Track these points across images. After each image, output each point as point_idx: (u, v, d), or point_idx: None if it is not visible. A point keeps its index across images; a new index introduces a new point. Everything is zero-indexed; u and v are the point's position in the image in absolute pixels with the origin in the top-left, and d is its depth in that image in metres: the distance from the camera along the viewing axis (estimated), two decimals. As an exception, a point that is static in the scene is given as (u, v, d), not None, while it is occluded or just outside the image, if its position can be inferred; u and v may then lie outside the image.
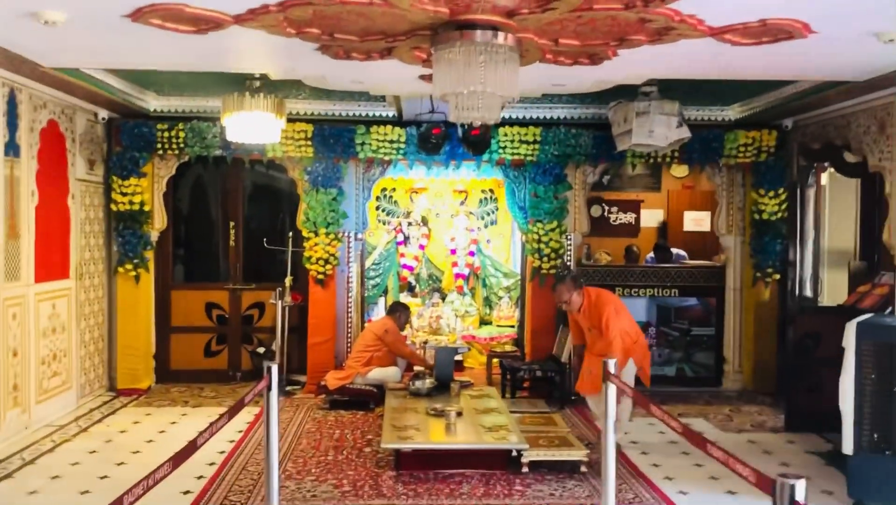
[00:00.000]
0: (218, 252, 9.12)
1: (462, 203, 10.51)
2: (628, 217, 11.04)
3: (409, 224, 10.38)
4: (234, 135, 7.07)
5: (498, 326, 10.28)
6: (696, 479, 5.71)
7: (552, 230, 8.34)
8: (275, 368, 4.17)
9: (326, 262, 8.30)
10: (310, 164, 8.30)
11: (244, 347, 9.01)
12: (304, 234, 8.34)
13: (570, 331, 6.55)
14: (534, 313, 8.49)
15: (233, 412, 4.10)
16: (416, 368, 8.24)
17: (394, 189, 10.47)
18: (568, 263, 8.55)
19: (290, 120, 8.17)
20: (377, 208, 10.46)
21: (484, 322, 10.43)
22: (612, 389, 4.22)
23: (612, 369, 4.24)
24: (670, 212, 11.00)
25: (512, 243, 10.58)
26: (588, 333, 6.43)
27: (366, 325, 8.95)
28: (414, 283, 10.45)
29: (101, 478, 5.60)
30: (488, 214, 10.59)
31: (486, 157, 8.27)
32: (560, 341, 8.12)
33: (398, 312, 8.00)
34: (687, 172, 11.06)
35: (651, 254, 9.99)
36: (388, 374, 7.67)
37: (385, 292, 10.39)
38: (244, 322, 9.01)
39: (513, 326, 10.20)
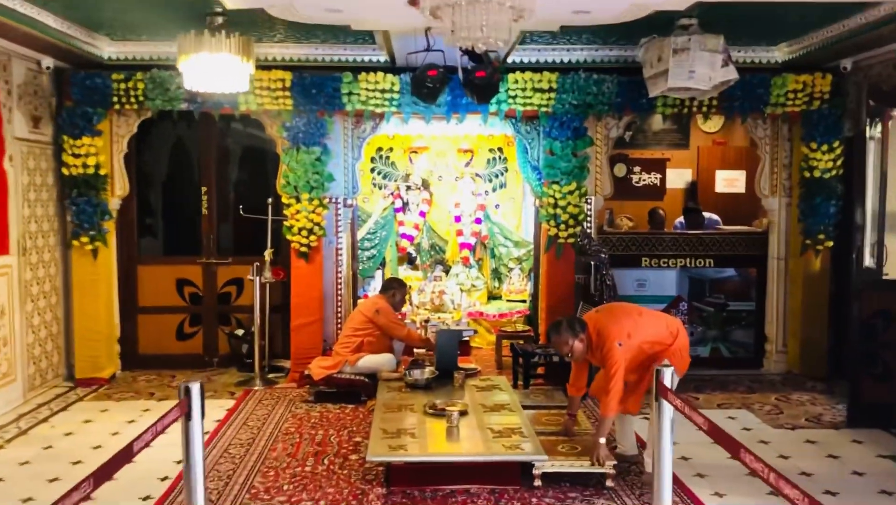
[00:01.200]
0: (189, 221, 8.03)
1: (467, 164, 9.37)
2: (652, 177, 9.86)
3: (409, 188, 9.25)
4: (192, 82, 5.95)
5: (508, 300, 9.19)
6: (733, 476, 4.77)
7: (570, 193, 7.20)
8: (195, 389, 3.09)
9: (310, 232, 7.21)
10: (289, 118, 7.17)
11: (221, 328, 7.98)
12: (285, 200, 7.25)
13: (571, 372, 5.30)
14: (549, 289, 7.39)
15: (157, 429, 3.10)
16: (417, 350, 7.20)
17: (390, 149, 9.33)
18: (588, 231, 7.42)
19: (266, 67, 7.06)
20: (372, 171, 9.34)
21: (493, 297, 9.35)
22: (667, 411, 3.13)
23: (667, 381, 3.16)
24: (700, 171, 9.81)
25: (523, 209, 9.45)
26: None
27: (358, 302, 7.89)
28: (414, 254, 9.35)
29: (24, 502, 4.58)
30: (497, 176, 9.45)
31: (493, 107, 7.12)
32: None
33: (393, 289, 6.92)
34: (719, 126, 9.89)
35: (680, 219, 8.86)
36: (381, 361, 6.62)
37: (382, 265, 9.31)
38: (220, 301, 7.97)
39: (524, 301, 9.12)
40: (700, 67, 5.77)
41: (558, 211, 7.20)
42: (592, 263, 7.36)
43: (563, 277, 7.32)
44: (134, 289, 7.86)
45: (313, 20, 5.52)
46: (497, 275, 9.41)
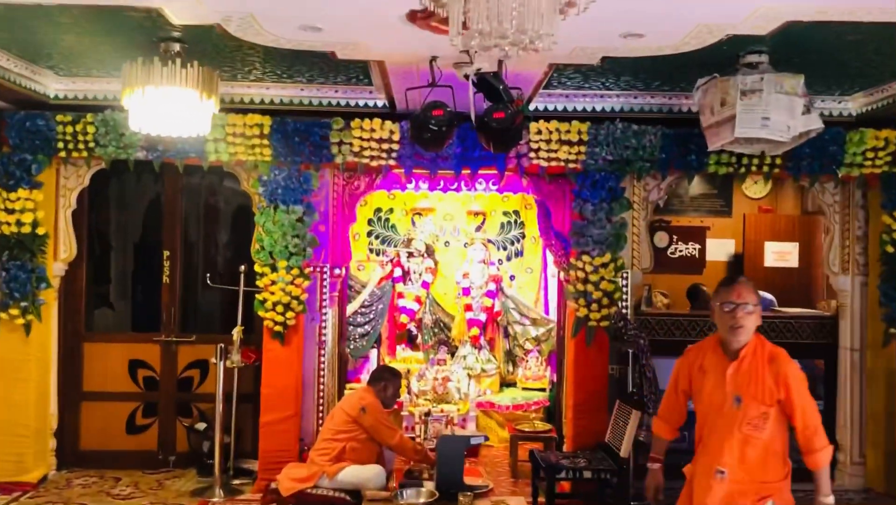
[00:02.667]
0: (148, 292, 6.78)
1: (478, 228, 8.14)
2: (690, 248, 8.57)
3: (410, 255, 8.02)
4: (139, 122, 4.77)
5: (524, 388, 7.87)
6: None
7: (604, 266, 5.94)
8: None
9: (287, 307, 5.94)
10: (266, 171, 5.98)
11: (180, 420, 6.65)
12: (258, 268, 6.00)
13: (663, 404, 3.98)
14: (577, 382, 6.05)
15: None
16: (415, 464, 5.85)
17: (390, 210, 8.13)
18: (625, 312, 6.13)
19: (241, 110, 5.93)
20: (369, 235, 8.12)
21: (506, 383, 8.02)
22: None
23: None
24: (746, 242, 8.55)
25: (542, 280, 8.20)
26: (718, 412, 3.50)
27: (345, 393, 6.58)
28: (415, 331, 8.06)
29: None
30: (512, 243, 8.21)
31: (512, 162, 5.92)
32: (617, 424, 5.68)
33: (384, 381, 5.61)
34: (766, 191, 8.67)
35: (728, 297, 7.57)
36: (367, 475, 5.25)
37: (378, 343, 8.01)
38: (181, 387, 6.66)
39: (543, 390, 7.78)
40: (776, 114, 4.57)
41: (589, 288, 5.92)
42: (630, 351, 6.06)
43: (595, 367, 6.01)
44: (78, 371, 6.57)
45: (286, 43, 4.36)
46: (511, 358, 8.10)
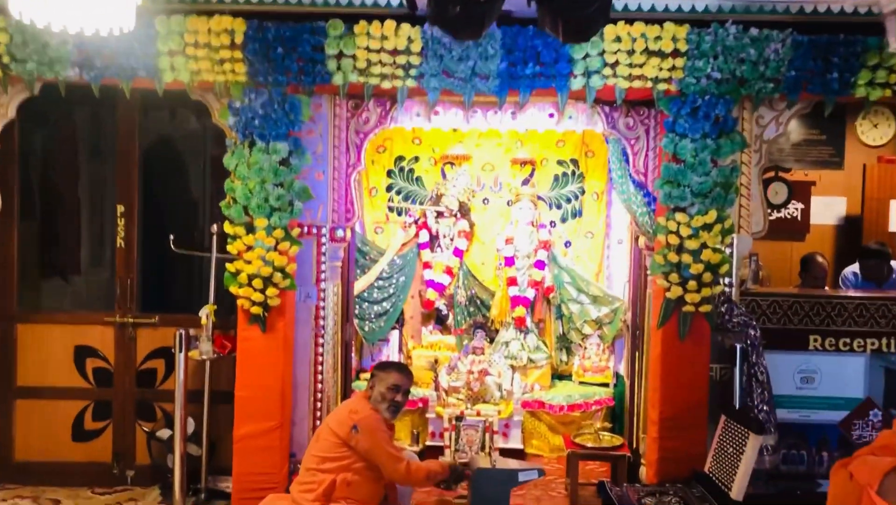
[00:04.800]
0: (98, 259, 5.27)
1: (526, 182, 6.46)
2: (791, 208, 6.83)
3: (440, 215, 6.37)
4: (20, 4, 3.18)
5: (581, 382, 6.24)
6: None
7: (707, 228, 4.24)
8: None
9: (268, 281, 4.36)
10: (239, 95, 4.37)
11: (140, 425, 5.17)
12: (229, 229, 4.42)
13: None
14: (666, 389, 4.38)
15: None
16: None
17: (415, 159, 6.48)
18: (728, 291, 4.43)
19: (205, 12, 4.31)
20: (388, 189, 6.49)
21: (558, 376, 6.39)
22: None
23: None
24: (866, 200, 6.75)
25: (607, 248, 6.51)
26: None
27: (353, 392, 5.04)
28: (445, 311, 6.43)
29: None
30: (568, 201, 6.50)
31: (577, 82, 4.23)
32: (723, 450, 4.05)
33: (372, 377, 3.96)
34: (889, 137, 6.89)
35: (853, 268, 5.86)
36: (368, 521, 3.70)
37: (399, 324, 6.42)
38: (141, 382, 5.16)
39: (606, 385, 6.16)
40: None
41: (685, 258, 4.23)
42: (738, 346, 4.41)
43: (691, 369, 4.35)
44: (10, 360, 5.11)
45: None
46: (565, 344, 6.44)
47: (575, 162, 6.43)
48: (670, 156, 4.26)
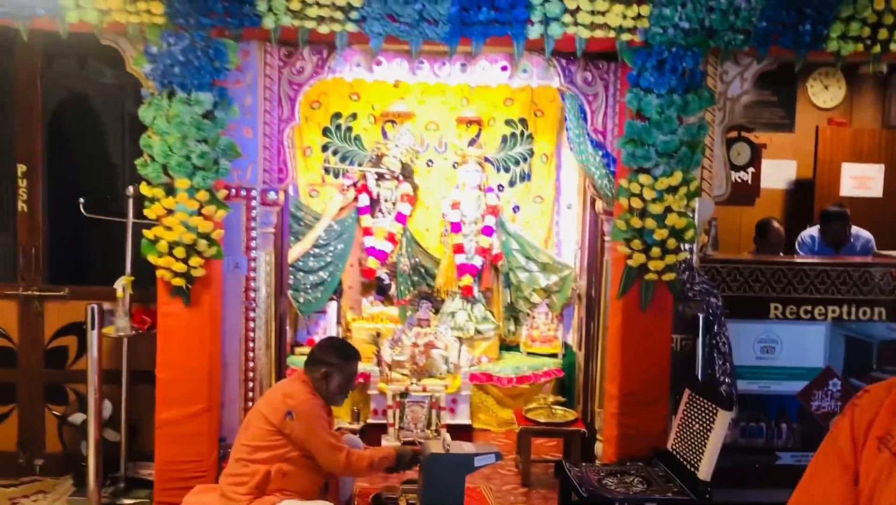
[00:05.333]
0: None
1: (472, 143, 6.10)
2: (741, 172, 6.65)
3: (380, 178, 5.96)
4: None
5: (529, 353, 5.97)
6: None
7: (672, 190, 3.94)
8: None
9: (192, 249, 3.89)
10: (156, 39, 3.85)
11: (49, 408, 4.66)
12: (146, 190, 3.93)
13: (803, 489, 1.98)
14: (626, 363, 4.09)
15: None
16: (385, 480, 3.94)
17: (353, 116, 6.03)
18: (689, 260, 4.17)
19: (113, -59, 3.75)
20: (324, 149, 6.04)
21: (506, 347, 6.11)
22: None
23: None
24: (819, 163, 6.60)
25: (555, 213, 6.22)
26: None
27: (288, 370, 4.63)
28: (387, 280, 6.06)
29: None
30: (517, 163, 6.17)
31: (535, 30, 3.86)
32: (688, 427, 3.81)
33: (325, 365, 3.55)
34: (839, 99, 6.76)
35: (810, 232, 5.72)
36: (305, 516, 3.33)
37: (338, 294, 6.02)
38: (50, 362, 4.65)
39: (555, 356, 5.90)
40: None
41: (648, 223, 3.94)
42: (700, 316, 4.17)
43: (652, 340, 4.08)
44: None
45: None
46: (513, 314, 6.16)
47: (524, 122, 6.09)
48: (634, 112, 3.94)
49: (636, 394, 4.06)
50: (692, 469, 3.69)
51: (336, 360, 3.53)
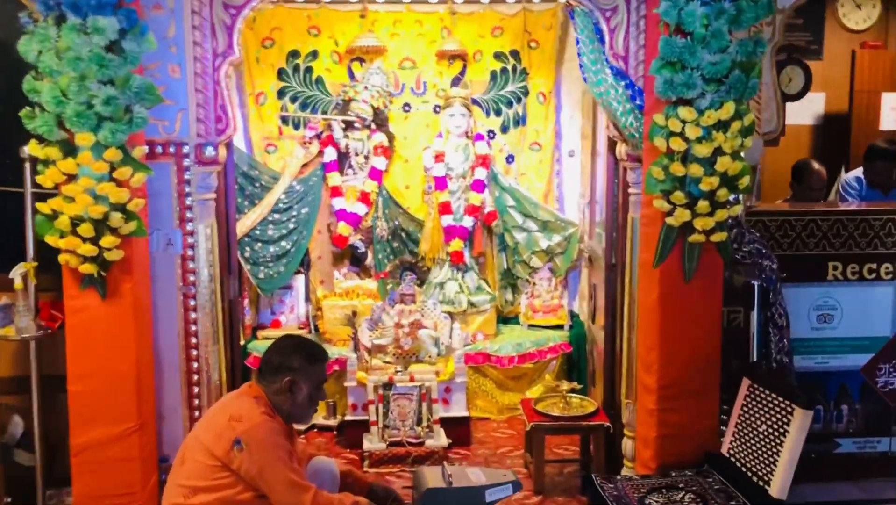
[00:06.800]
0: None
1: (456, 82, 5.16)
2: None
3: (349, 127, 5.02)
4: None
5: (531, 325, 5.14)
6: None
7: (723, 126, 3.05)
8: None
9: (103, 225, 2.97)
10: (36, -56, 2.88)
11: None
12: (35, 151, 2.97)
13: None
14: (666, 348, 3.24)
15: None
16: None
17: (313, 55, 5.05)
18: (738, 214, 3.32)
19: None
20: (281, 95, 5.07)
21: (504, 319, 5.27)
22: None
23: None
24: (855, 93, 5.74)
25: (555, 162, 5.35)
26: None
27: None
28: (362, 248, 5.15)
29: None
30: (509, 104, 5.24)
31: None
32: (751, 427, 3.00)
33: (287, 371, 2.66)
34: (873, 19, 5.88)
35: (854, 174, 4.92)
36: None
37: (305, 267, 5.14)
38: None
39: (560, 327, 5.08)
40: None
41: (692, 170, 3.06)
42: (754, 283, 3.37)
43: (699, 318, 3.23)
44: None
45: None
46: (511, 281, 5.31)
47: (516, 55, 5.16)
48: (672, 27, 3.03)
49: (679, 385, 3.23)
50: (760, 483, 2.89)
51: (301, 363, 2.70)
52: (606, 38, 3.42)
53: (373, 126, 5.01)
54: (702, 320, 3.23)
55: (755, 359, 3.47)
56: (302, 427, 4.39)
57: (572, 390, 4.09)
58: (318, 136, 5.03)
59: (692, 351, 3.22)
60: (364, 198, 5.03)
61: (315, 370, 2.73)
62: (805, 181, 4.77)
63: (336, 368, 4.61)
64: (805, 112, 6.00)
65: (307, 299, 5.11)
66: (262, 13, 4.83)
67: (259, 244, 4.91)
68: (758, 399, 3.07)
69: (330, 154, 5.02)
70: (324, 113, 5.05)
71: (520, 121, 5.24)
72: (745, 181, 3.12)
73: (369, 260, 5.14)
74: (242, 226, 4.77)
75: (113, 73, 2.89)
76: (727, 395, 3.38)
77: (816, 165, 4.80)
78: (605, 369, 4.14)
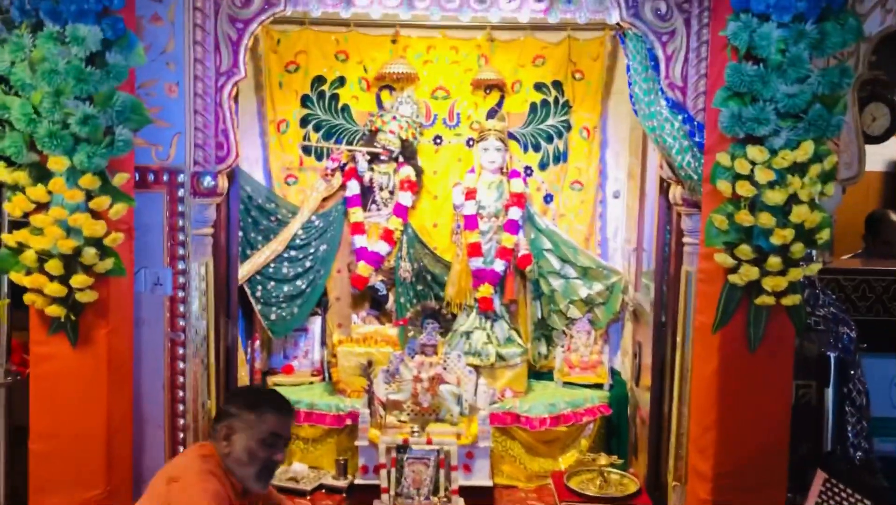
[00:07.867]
0: None
1: (492, 114, 4.75)
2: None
3: (375, 159, 4.63)
4: None
5: (566, 382, 4.64)
6: None
7: (799, 169, 2.58)
8: None
9: (75, 262, 2.60)
10: (14, -56, 2.56)
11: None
12: (3, 175, 2.63)
13: None
14: (725, 430, 2.73)
15: None
16: None
17: (339, 81, 4.69)
18: (813, 276, 2.82)
19: None
20: (304, 123, 4.71)
21: (536, 374, 4.78)
22: None
23: None
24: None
25: (598, 203, 4.88)
26: None
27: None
28: (383, 291, 4.72)
29: None
30: (549, 139, 4.81)
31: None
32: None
33: (225, 417, 2.29)
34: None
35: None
36: None
37: (323, 308, 4.73)
38: None
39: (599, 387, 4.57)
40: None
41: (762, 219, 2.59)
42: (830, 354, 2.86)
43: (767, 392, 2.74)
44: None
45: None
46: (545, 332, 4.83)
47: (558, 86, 4.73)
48: (741, 52, 2.59)
49: (740, 474, 2.72)
50: None
51: (239, 410, 2.36)
52: (662, 66, 2.99)
53: (400, 159, 4.62)
54: (769, 398, 2.73)
55: (830, 443, 2.96)
56: (307, 488, 3.96)
57: (611, 465, 3.59)
58: (341, 167, 4.65)
59: (756, 435, 2.72)
60: (387, 236, 4.62)
61: (257, 420, 2.35)
62: (881, 234, 4.25)
63: (348, 421, 4.18)
64: (875, 156, 5.47)
65: (323, 344, 4.70)
66: (288, 35, 4.51)
67: (272, 283, 4.52)
68: (835, 497, 2.55)
69: (353, 188, 4.63)
70: (349, 144, 4.68)
71: (560, 157, 4.80)
72: (825, 235, 2.64)
73: (390, 304, 4.71)
74: (255, 263, 4.40)
75: (93, 89, 2.54)
76: (793, 483, 2.87)
77: (894, 217, 4.27)
78: (649, 441, 3.63)
